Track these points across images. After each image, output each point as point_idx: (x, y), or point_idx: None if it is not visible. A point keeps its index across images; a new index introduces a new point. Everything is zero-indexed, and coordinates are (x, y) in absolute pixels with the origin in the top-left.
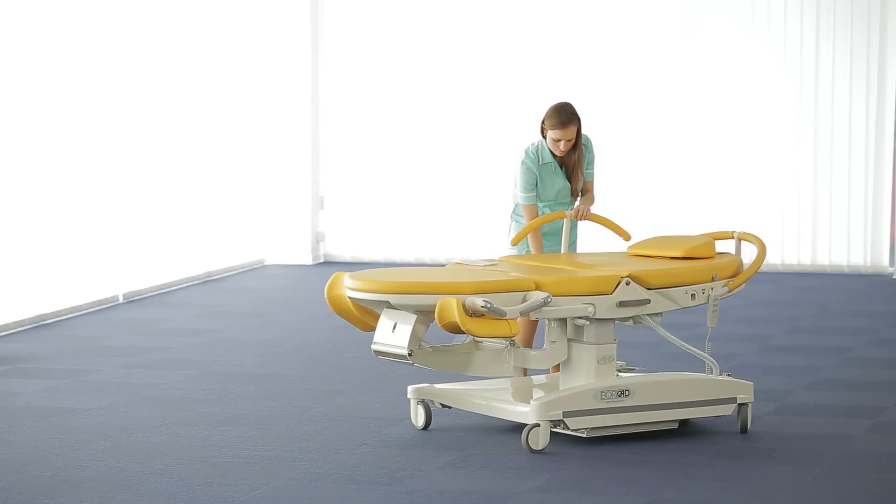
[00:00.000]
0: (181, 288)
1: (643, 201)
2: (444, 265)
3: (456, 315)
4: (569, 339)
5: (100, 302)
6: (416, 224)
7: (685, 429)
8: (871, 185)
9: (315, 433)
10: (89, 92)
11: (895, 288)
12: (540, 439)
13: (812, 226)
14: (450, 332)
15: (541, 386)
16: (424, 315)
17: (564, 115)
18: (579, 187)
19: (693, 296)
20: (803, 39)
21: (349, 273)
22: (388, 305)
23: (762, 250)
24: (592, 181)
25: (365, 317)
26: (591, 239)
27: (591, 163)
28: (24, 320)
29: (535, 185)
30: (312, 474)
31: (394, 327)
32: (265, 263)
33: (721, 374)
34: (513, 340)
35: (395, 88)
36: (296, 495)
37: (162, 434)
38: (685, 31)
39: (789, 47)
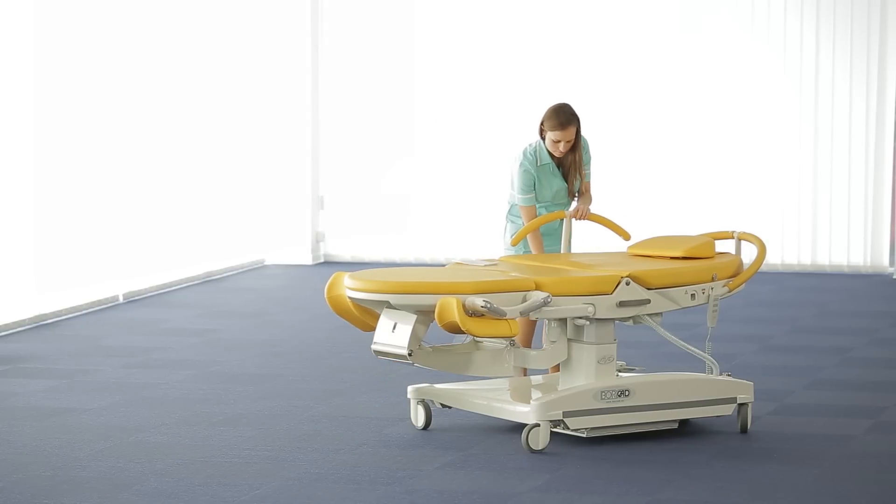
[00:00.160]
0: (181, 288)
1: (643, 201)
2: (444, 265)
3: (456, 315)
4: (569, 339)
5: (100, 302)
6: (416, 224)
7: (685, 429)
8: (871, 185)
9: (315, 433)
10: (90, 92)
11: (895, 288)
12: (540, 439)
13: (812, 226)
14: (450, 332)
15: (538, 386)
16: (424, 315)
17: (564, 117)
18: (577, 188)
19: (693, 296)
20: (803, 39)
21: (349, 273)
22: (388, 305)
23: (762, 250)
24: (589, 181)
25: (365, 317)
26: (590, 239)
27: (588, 163)
28: (24, 320)
29: (533, 186)
30: (312, 474)
31: (394, 327)
32: (265, 263)
33: (721, 374)
34: (513, 340)
35: (394, 88)
36: (296, 495)
37: (162, 434)
38: (685, 32)
39: (789, 47)
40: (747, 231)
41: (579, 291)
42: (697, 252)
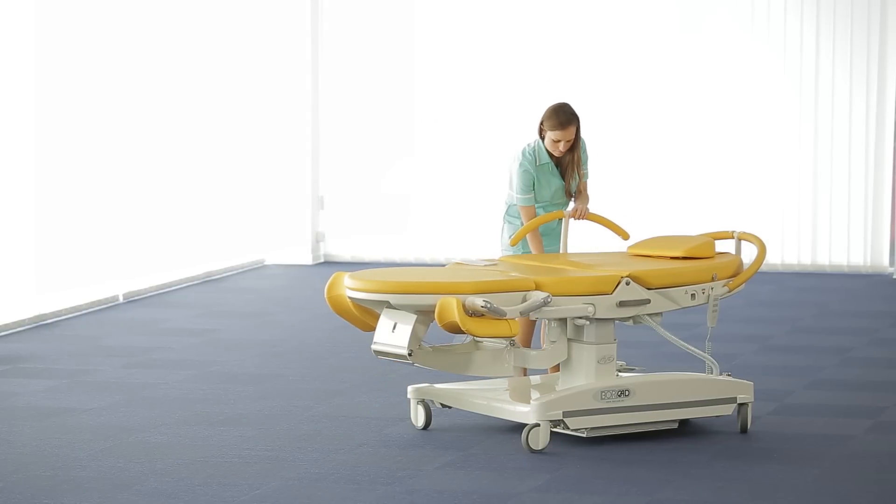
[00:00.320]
0: (181, 288)
1: (643, 201)
2: (444, 265)
3: (456, 315)
4: (569, 339)
5: (100, 302)
6: (416, 224)
7: (685, 429)
8: (871, 185)
9: (315, 433)
10: (90, 92)
11: (895, 288)
12: (540, 439)
13: (812, 226)
14: (450, 332)
15: (537, 386)
16: (424, 315)
17: (564, 116)
18: (574, 187)
19: (693, 296)
20: (803, 39)
21: (349, 273)
22: (388, 305)
23: (762, 250)
24: (586, 181)
25: (365, 317)
26: (590, 239)
27: (585, 162)
28: (24, 320)
29: (532, 186)
30: (312, 474)
31: (394, 327)
32: (265, 263)
33: (721, 374)
34: (513, 340)
35: (394, 88)
36: (296, 495)
37: (162, 434)
38: (685, 32)
39: (789, 47)
40: (747, 231)
41: (579, 291)
42: (697, 252)
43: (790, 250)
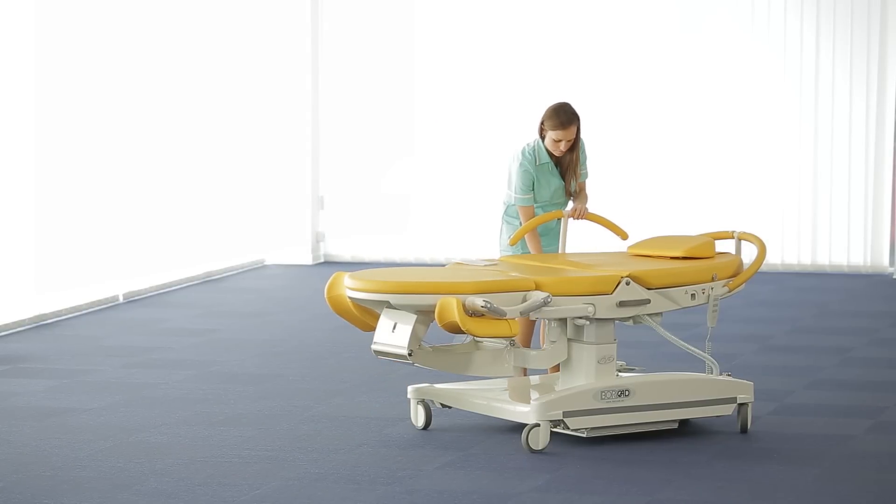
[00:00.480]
0: (181, 288)
1: (643, 201)
2: (444, 265)
3: (456, 315)
4: (569, 339)
5: (100, 302)
6: (416, 224)
7: (685, 429)
8: (871, 185)
9: (315, 433)
10: (90, 92)
11: (895, 288)
12: (540, 439)
13: (812, 226)
14: (450, 332)
15: (536, 386)
16: (424, 315)
17: (565, 116)
18: (573, 187)
19: (693, 296)
20: (803, 39)
21: (349, 273)
22: (388, 305)
23: (762, 250)
24: (585, 181)
25: (365, 317)
26: (589, 239)
27: (584, 162)
28: (24, 320)
29: (532, 186)
30: (312, 474)
31: (394, 327)
32: (265, 263)
33: (721, 374)
34: (513, 340)
35: (395, 88)
36: (296, 495)
37: (162, 434)
38: (685, 32)
39: (789, 47)
40: (747, 231)
41: (579, 291)
42: (697, 252)
43: (790, 250)
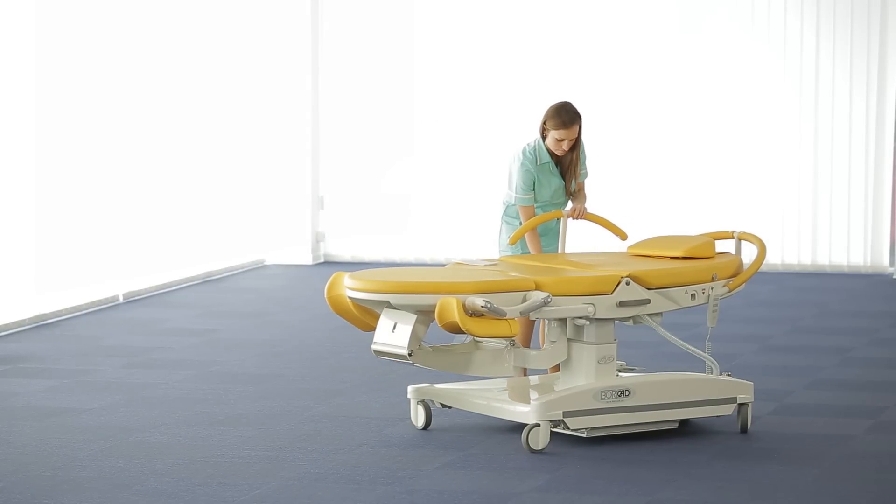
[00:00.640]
0: (181, 288)
1: (643, 201)
2: (444, 265)
3: (456, 315)
4: (569, 339)
5: (100, 302)
6: (416, 224)
7: (685, 429)
8: (871, 185)
9: (315, 433)
10: (90, 92)
11: (895, 288)
12: (540, 439)
13: (812, 226)
14: (450, 332)
15: (535, 386)
16: (424, 315)
17: (567, 116)
18: (573, 186)
19: (693, 296)
20: (803, 39)
21: (349, 273)
22: (388, 305)
23: (762, 250)
24: (584, 181)
25: (365, 317)
26: (589, 239)
27: (584, 162)
28: (24, 320)
29: (533, 185)
30: (312, 474)
31: (394, 327)
32: (265, 263)
33: (721, 374)
34: (513, 340)
35: (395, 88)
36: (296, 495)
37: (162, 434)
38: (686, 32)
39: (789, 47)
40: (747, 231)
41: (579, 291)
42: (697, 252)
43: (790, 250)
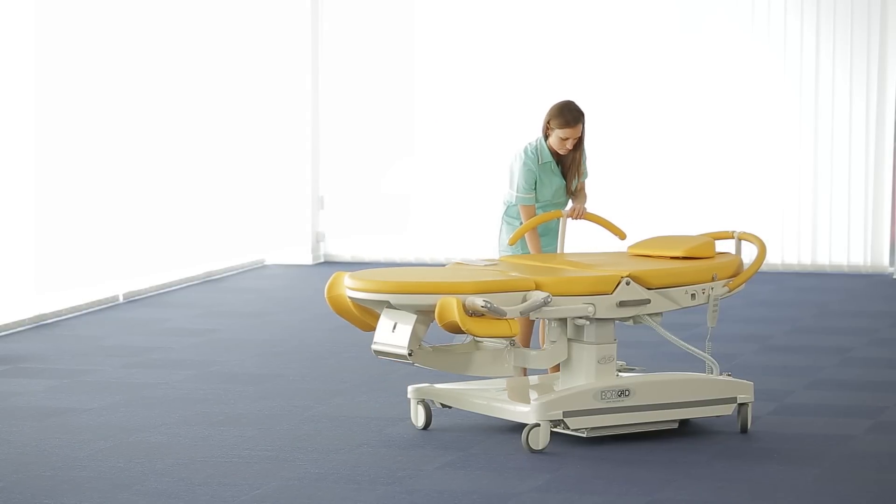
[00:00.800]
0: (181, 288)
1: (643, 201)
2: (444, 265)
3: (456, 315)
4: (569, 339)
5: (100, 302)
6: (416, 224)
7: (685, 429)
8: (871, 185)
9: (315, 433)
10: (90, 92)
11: (895, 288)
12: (540, 439)
13: (812, 226)
14: (450, 332)
15: (535, 386)
16: (424, 315)
17: (571, 115)
18: (575, 186)
19: (693, 296)
20: (803, 39)
21: (349, 273)
22: (388, 305)
23: (762, 250)
24: (585, 181)
25: (365, 317)
26: (589, 239)
27: (584, 162)
28: (24, 320)
29: (534, 185)
30: (312, 474)
31: (394, 327)
32: (265, 263)
33: (721, 374)
34: (513, 340)
35: (395, 88)
36: (296, 495)
37: (162, 434)
38: (686, 32)
39: (789, 47)
40: (747, 231)
41: (579, 291)
42: (697, 252)
43: (790, 250)
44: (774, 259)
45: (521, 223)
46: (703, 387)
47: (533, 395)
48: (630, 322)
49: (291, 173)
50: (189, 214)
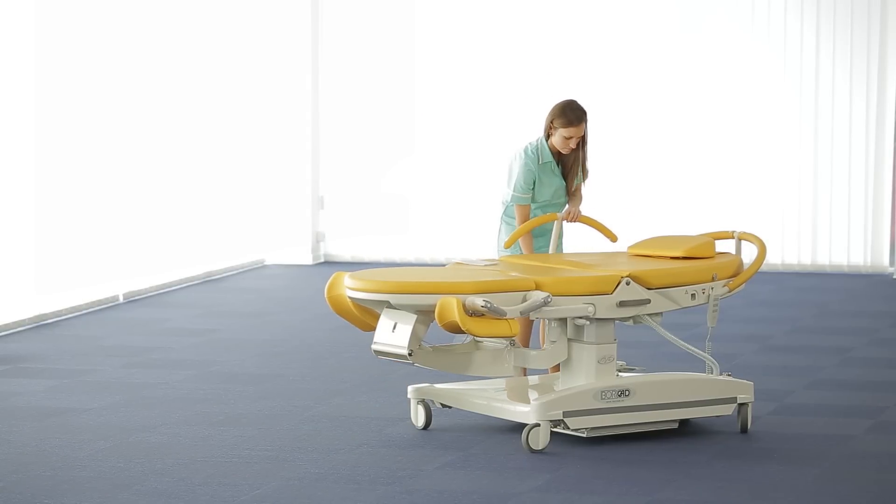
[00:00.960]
0: (181, 288)
1: (643, 201)
2: (444, 265)
3: (456, 315)
4: (569, 339)
5: (100, 302)
6: (416, 224)
7: (685, 429)
8: (871, 185)
9: (315, 433)
10: (90, 93)
11: (895, 288)
12: (540, 439)
13: (812, 226)
14: (450, 332)
15: (535, 386)
16: (424, 315)
17: (574, 113)
18: (574, 186)
19: (693, 296)
20: (803, 39)
21: (349, 273)
22: (388, 305)
23: (762, 250)
24: (580, 183)
25: (365, 317)
26: (589, 239)
27: (586, 162)
28: (24, 320)
29: (533, 184)
30: (312, 474)
31: (394, 327)
32: (265, 263)
33: (721, 374)
34: (513, 340)
35: (395, 89)
36: (296, 495)
37: (162, 434)
38: (686, 32)
39: (789, 47)
40: (747, 231)
41: (579, 291)
42: (697, 252)
43: (790, 250)
44: (774, 259)
45: (518, 222)
46: (703, 387)
47: (533, 395)
48: (630, 322)
49: (291, 173)
50: (189, 214)
